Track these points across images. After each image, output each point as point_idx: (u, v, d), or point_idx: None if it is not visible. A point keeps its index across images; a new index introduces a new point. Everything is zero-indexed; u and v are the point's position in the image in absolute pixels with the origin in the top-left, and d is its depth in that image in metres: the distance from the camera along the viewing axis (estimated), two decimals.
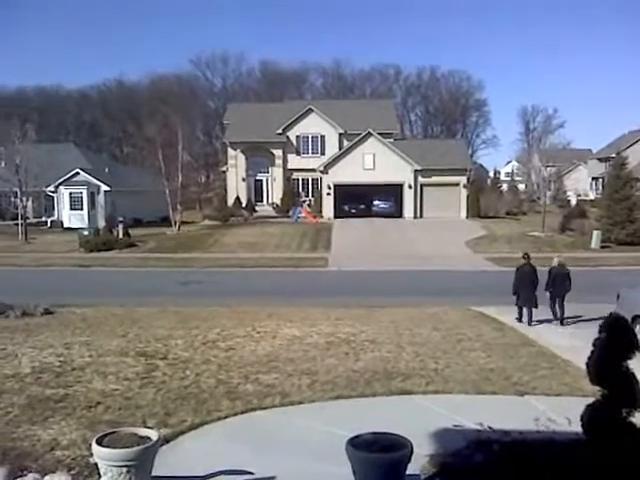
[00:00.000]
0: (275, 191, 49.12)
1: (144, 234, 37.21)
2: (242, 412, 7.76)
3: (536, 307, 14.33)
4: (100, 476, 5.25)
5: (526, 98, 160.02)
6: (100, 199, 42.76)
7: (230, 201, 47.90)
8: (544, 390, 8.85)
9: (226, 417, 7.58)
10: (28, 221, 38.13)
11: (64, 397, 8.13)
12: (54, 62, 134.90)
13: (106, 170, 46.57)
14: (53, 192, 42.83)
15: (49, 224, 42.95)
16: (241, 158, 48.89)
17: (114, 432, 5.48)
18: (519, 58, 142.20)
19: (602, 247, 32.23)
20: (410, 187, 44.66)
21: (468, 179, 45.91)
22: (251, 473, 5.96)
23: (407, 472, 5.23)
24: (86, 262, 28.76)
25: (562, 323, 14.38)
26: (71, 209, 42.38)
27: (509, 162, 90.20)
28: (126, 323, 13.71)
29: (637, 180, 35.75)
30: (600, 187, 60.55)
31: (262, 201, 49.50)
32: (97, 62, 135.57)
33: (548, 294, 14.55)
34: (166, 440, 6.56)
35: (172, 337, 12.06)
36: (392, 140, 46.72)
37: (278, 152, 48.68)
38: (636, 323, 11.61)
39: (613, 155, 43.64)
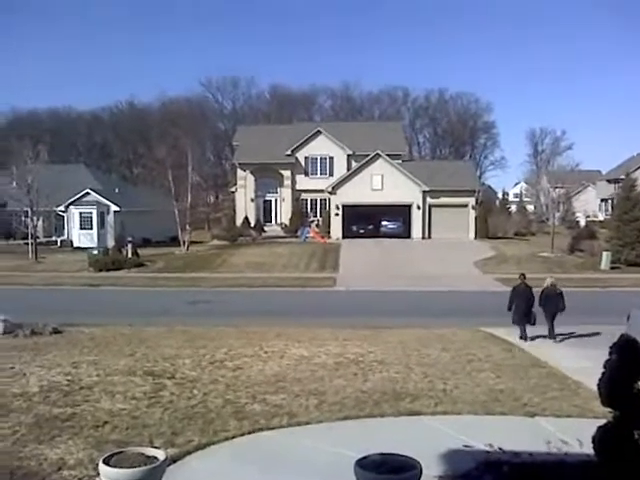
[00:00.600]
0: (284, 211, 49.28)
1: (153, 254, 37.35)
2: (249, 432, 7.71)
3: (532, 324, 14.79)
4: None
5: (534, 120, 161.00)
6: (110, 219, 43.04)
7: (239, 221, 48.08)
8: (554, 411, 8.75)
9: (233, 437, 7.53)
10: (38, 240, 38.41)
11: (71, 416, 8.11)
12: (66, 85, 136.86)
13: (116, 190, 46.96)
14: (63, 212, 43.20)
15: (59, 243, 43.26)
16: (250, 179, 49.17)
17: (121, 452, 5.45)
18: (527, 80, 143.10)
19: (612, 268, 32.06)
20: (418, 208, 44.69)
21: (476, 200, 45.90)
22: None
23: None
24: (95, 281, 28.87)
25: (552, 337, 14.88)
26: (81, 229, 42.66)
27: (517, 183, 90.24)
28: (134, 342, 13.71)
29: None
30: (609, 208, 60.35)
31: (271, 221, 49.65)
32: (109, 85, 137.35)
33: (543, 312, 15.00)
34: (173, 460, 6.52)
35: (180, 356, 12.04)
36: (400, 161, 46.91)
37: (287, 173, 48.93)
38: None
39: (622, 176, 43.64)
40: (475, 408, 8.84)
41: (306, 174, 49.33)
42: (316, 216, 48.75)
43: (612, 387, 5.64)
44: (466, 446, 7.22)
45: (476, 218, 44.99)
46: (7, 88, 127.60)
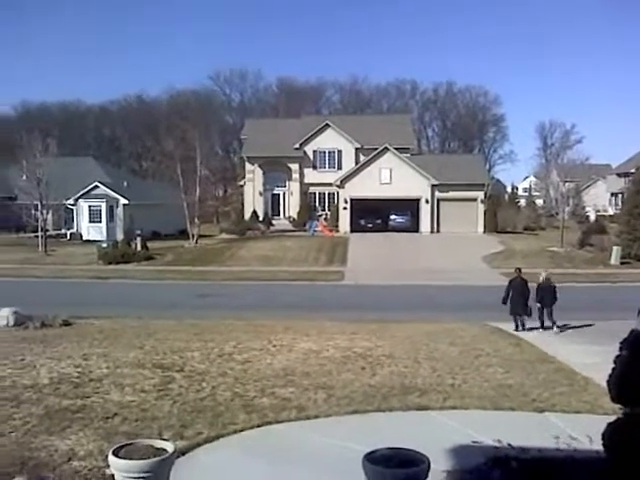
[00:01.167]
0: (292, 205, 49.27)
1: (162, 247, 37.48)
2: (258, 425, 7.73)
3: (528, 316, 15.66)
4: None
5: (544, 113, 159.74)
6: (119, 212, 43.20)
7: (247, 215, 48.13)
8: (563, 407, 8.72)
9: (242, 430, 7.55)
10: (48, 233, 38.59)
11: (81, 408, 8.16)
12: (75, 78, 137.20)
13: (125, 184, 47.08)
14: (73, 205, 43.40)
15: (68, 236, 43.47)
16: (258, 172, 49.17)
17: (130, 444, 5.47)
18: (537, 73, 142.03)
19: (622, 263, 31.84)
20: (427, 202, 44.56)
21: (485, 194, 45.71)
22: None
23: None
24: (104, 274, 29.01)
25: (557, 327, 15.59)
26: (90, 222, 42.86)
27: (527, 177, 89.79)
28: (143, 335, 13.78)
29: None
30: (619, 202, 59.93)
31: (279, 215, 49.67)
32: (117, 78, 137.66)
33: (538, 305, 15.76)
34: (182, 452, 6.54)
35: (189, 349, 12.08)
36: (409, 155, 46.75)
37: (295, 167, 48.89)
38: None
39: (632, 170, 43.24)
40: (483, 403, 8.83)
41: (314, 168, 49.27)
42: (324, 210, 48.72)
43: (622, 383, 5.60)
44: (474, 441, 7.21)
45: (485, 212, 44.81)
46: (17, 82, 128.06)
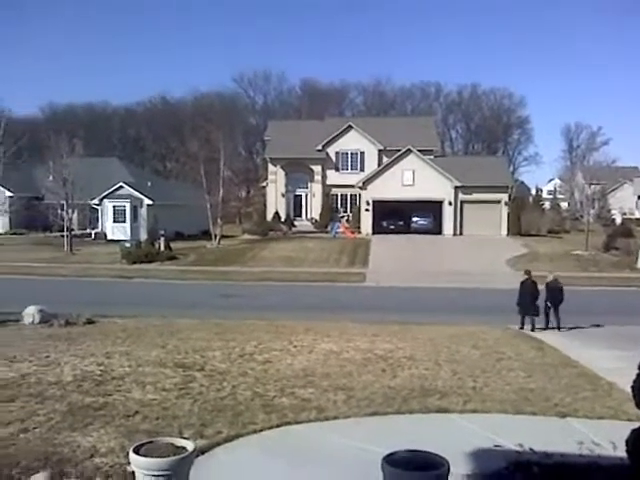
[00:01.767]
0: (314, 206, 49.33)
1: (185, 247, 37.79)
2: (277, 426, 7.74)
3: (537, 315, 16.27)
4: None
5: (570, 115, 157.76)
6: (143, 212, 43.65)
7: (269, 216, 48.30)
8: (586, 412, 8.58)
9: (261, 430, 7.57)
10: (73, 233, 39.17)
11: (104, 405, 8.26)
12: (102, 80, 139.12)
13: (149, 184, 47.57)
14: (97, 205, 43.99)
15: (93, 236, 44.05)
16: (281, 174, 49.33)
17: (151, 441, 5.52)
18: (563, 75, 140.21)
19: None
20: (450, 204, 44.26)
21: (509, 196, 45.25)
22: None
23: None
24: (128, 274, 29.34)
25: (559, 329, 16.20)
26: (114, 222, 43.39)
27: (551, 180, 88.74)
28: (165, 334, 13.89)
29: None
30: None
31: (301, 216, 49.76)
32: (143, 80, 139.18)
33: (545, 304, 16.50)
34: (202, 451, 6.58)
35: (210, 349, 12.15)
36: (432, 157, 46.50)
37: (317, 168, 48.94)
38: None
39: None
40: (505, 407, 8.73)
41: (337, 169, 49.28)
42: (346, 211, 48.68)
43: None
44: (495, 445, 7.14)
45: (509, 215, 44.35)
46: (44, 84, 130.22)
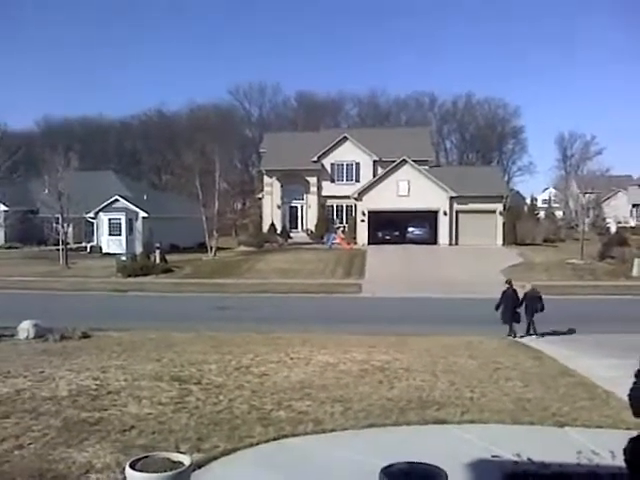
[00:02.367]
0: (310, 218, 49.37)
1: (180, 260, 37.72)
2: (275, 439, 7.69)
3: (518, 322, 17.03)
4: None
5: (563, 124, 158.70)
6: (138, 225, 43.60)
7: (265, 227, 48.32)
8: (584, 422, 8.57)
9: (258, 444, 7.52)
10: (69, 246, 39.05)
11: (99, 420, 8.20)
12: (97, 93, 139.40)
13: (144, 197, 47.59)
14: (93, 218, 43.92)
15: (88, 249, 43.94)
16: (276, 185, 49.41)
17: (147, 456, 5.49)
18: (556, 84, 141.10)
19: None
20: (445, 214, 44.36)
21: (504, 206, 45.39)
22: None
23: None
24: (123, 287, 29.25)
25: (536, 335, 16.89)
26: (110, 235, 43.33)
27: (546, 189, 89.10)
28: (161, 347, 13.83)
29: None
30: None
31: (297, 228, 49.78)
32: (138, 93, 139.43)
33: (523, 312, 17.15)
34: (198, 465, 6.53)
35: (206, 362, 12.10)
36: (427, 167, 46.65)
37: (313, 180, 49.05)
38: None
39: None
40: (502, 417, 8.71)
41: (332, 180, 49.40)
42: (342, 222, 48.72)
43: None
44: (493, 456, 7.11)
45: (504, 224, 44.46)
46: (40, 98, 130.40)
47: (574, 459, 6.94)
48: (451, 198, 44.08)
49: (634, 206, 65.86)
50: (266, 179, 50.10)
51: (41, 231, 44.67)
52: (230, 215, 52.23)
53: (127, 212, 43.28)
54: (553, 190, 77.39)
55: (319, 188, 49.27)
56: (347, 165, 49.39)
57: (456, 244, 44.08)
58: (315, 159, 48.71)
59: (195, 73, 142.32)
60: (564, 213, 60.45)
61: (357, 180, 48.54)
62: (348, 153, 49.19)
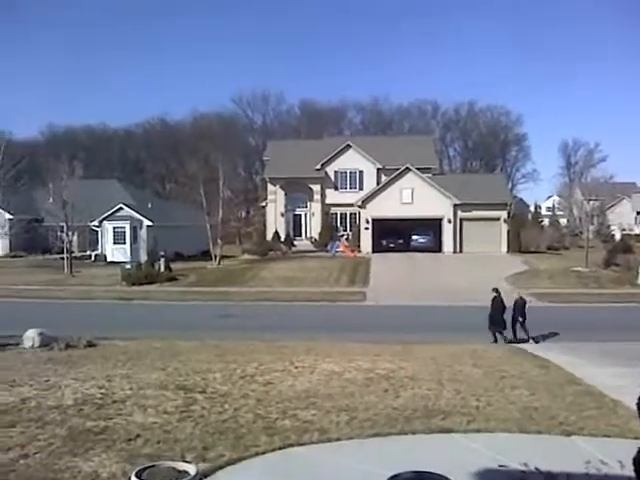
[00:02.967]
0: (313, 226, 49.40)
1: (185, 268, 37.74)
2: (280, 448, 7.66)
3: (505, 329, 17.80)
4: None
5: (567, 132, 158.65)
6: (142, 233, 43.67)
7: (269, 235, 48.35)
8: (592, 431, 8.50)
9: (264, 453, 7.49)
10: (73, 255, 39.15)
11: (105, 429, 8.19)
12: (101, 102, 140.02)
13: (149, 205, 47.68)
14: (97, 227, 44.02)
15: (93, 258, 44.01)
16: (280, 193, 49.47)
17: (153, 466, 5.48)
18: (560, 92, 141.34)
19: None
20: (449, 221, 44.33)
21: (508, 213, 45.34)
22: None
23: None
24: (128, 295, 29.26)
25: (529, 340, 17.53)
26: (114, 243, 43.39)
27: (550, 196, 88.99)
28: (166, 356, 13.81)
29: None
30: None
31: (300, 235, 49.80)
32: (142, 102, 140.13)
33: (511, 319, 18.05)
34: (204, 475, 6.51)
35: (211, 371, 12.08)
36: (431, 175, 46.69)
37: (316, 187, 49.12)
38: None
39: None
40: (509, 426, 8.66)
41: (336, 188, 49.46)
42: (346, 230, 48.76)
43: None
44: (500, 465, 7.06)
45: (508, 232, 44.40)
46: (44, 106, 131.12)
47: (582, 469, 6.89)
48: (455, 206, 44.07)
49: (638, 213, 65.74)
50: (270, 187, 50.19)
51: (46, 240, 44.75)
52: (234, 223, 52.30)
53: (131, 220, 43.38)
54: (557, 197, 77.32)
55: (323, 196, 49.34)
56: (350, 173, 49.46)
57: (460, 252, 44.02)
58: (319, 167, 48.80)
59: (198, 82, 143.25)
60: (568, 220, 60.36)
61: (361, 188, 48.60)
62: (351, 161, 49.27)
